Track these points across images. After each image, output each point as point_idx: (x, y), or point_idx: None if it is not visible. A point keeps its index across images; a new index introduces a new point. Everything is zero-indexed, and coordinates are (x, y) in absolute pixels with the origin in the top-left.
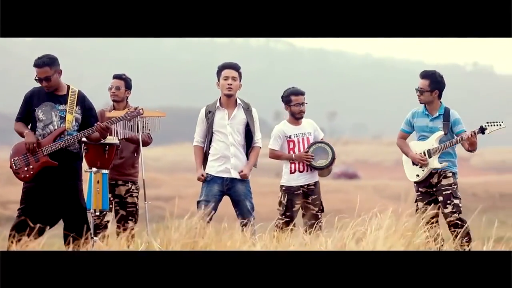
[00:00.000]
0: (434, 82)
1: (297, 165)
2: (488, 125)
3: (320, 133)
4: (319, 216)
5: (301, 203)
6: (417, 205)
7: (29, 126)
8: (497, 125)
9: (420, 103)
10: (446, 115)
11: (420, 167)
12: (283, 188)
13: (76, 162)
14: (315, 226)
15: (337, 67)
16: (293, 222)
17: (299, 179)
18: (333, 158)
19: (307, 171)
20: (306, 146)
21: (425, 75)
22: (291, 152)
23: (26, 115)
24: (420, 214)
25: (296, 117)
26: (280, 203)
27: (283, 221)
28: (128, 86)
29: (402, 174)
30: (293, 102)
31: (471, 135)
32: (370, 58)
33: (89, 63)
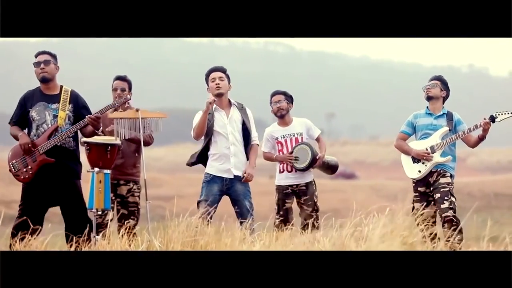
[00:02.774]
0: (444, 83)
1: (284, 165)
2: (498, 114)
3: (316, 130)
4: (314, 215)
5: (291, 202)
6: (413, 206)
7: (26, 129)
8: (508, 113)
9: (428, 96)
10: (449, 114)
11: (423, 163)
12: (275, 187)
13: (73, 161)
14: (310, 225)
15: (335, 69)
16: (291, 221)
17: (288, 179)
18: (313, 159)
19: (295, 171)
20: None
21: (436, 77)
22: (280, 153)
23: (21, 118)
24: (415, 215)
25: (277, 116)
26: (275, 202)
27: (279, 220)
28: (131, 88)
29: (399, 174)
30: (272, 102)
31: (485, 122)
32: (367, 60)
33: (90, 65)
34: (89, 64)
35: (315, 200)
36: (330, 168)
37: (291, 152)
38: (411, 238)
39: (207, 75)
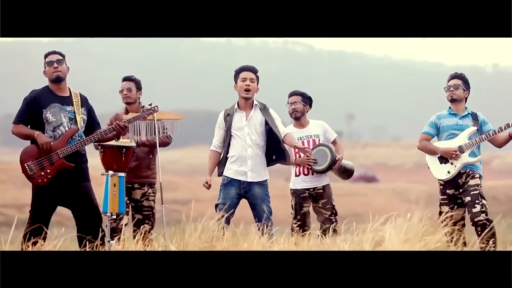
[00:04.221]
0: (466, 83)
1: (301, 168)
2: None
3: (332, 133)
4: (333, 219)
5: (309, 206)
6: (440, 209)
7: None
8: None
9: (452, 99)
10: (474, 115)
11: (452, 163)
12: (291, 191)
13: (84, 163)
14: (330, 230)
15: (355, 69)
16: (308, 225)
17: (304, 182)
18: (332, 162)
19: (312, 174)
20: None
21: (457, 75)
22: (296, 155)
23: (29, 118)
24: (443, 218)
25: (292, 118)
26: (291, 206)
27: (296, 224)
28: (139, 87)
29: (421, 177)
30: (288, 103)
31: None
32: (388, 60)
33: (104, 65)
34: (102, 64)
35: (333, 203)
36: (346, 173)
37: (308, 155)
38: (433, 243)
39: (238, 72)
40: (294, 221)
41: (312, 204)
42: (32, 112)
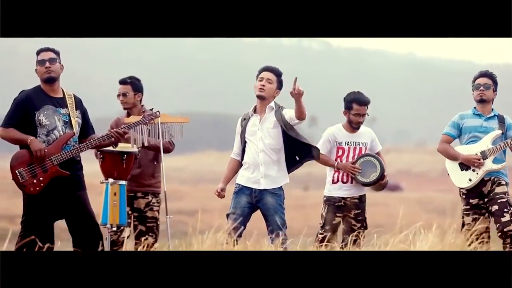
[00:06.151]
0: (496, 83)
1: (340, 174)
2: None
3: (378, 145)
4: (361, 233)
5: (341, 216)
6: (463, 221)
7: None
8: None
9: (480, 99)
10: (500, 117)
11: (473, 170)
12: (325, 198)
13: (79, 170)
14: (354, 242)
15: (376, 68)
16: (333, 237)
17: (341, 190)
18: (381, 175)
19: (351, 182)
20: (356, 156)
21: (487, 74)
22: (338, 160)
23: (20, 121)
24: (466, 230)
25: (352, 127)
26: (321, 215)
27: (323, 235)
28: (137, 89)
29: (449, 186)
30: (353, 110)
31: None
32: (413, 58)
33: (102, 64)
34: (98, 63)
35: (365, 216)
36: (382, 185)
37: (354, 162)
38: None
39: (259, 72)
40: (320, 231)
41: (343, 213)
42: (23, 114)
